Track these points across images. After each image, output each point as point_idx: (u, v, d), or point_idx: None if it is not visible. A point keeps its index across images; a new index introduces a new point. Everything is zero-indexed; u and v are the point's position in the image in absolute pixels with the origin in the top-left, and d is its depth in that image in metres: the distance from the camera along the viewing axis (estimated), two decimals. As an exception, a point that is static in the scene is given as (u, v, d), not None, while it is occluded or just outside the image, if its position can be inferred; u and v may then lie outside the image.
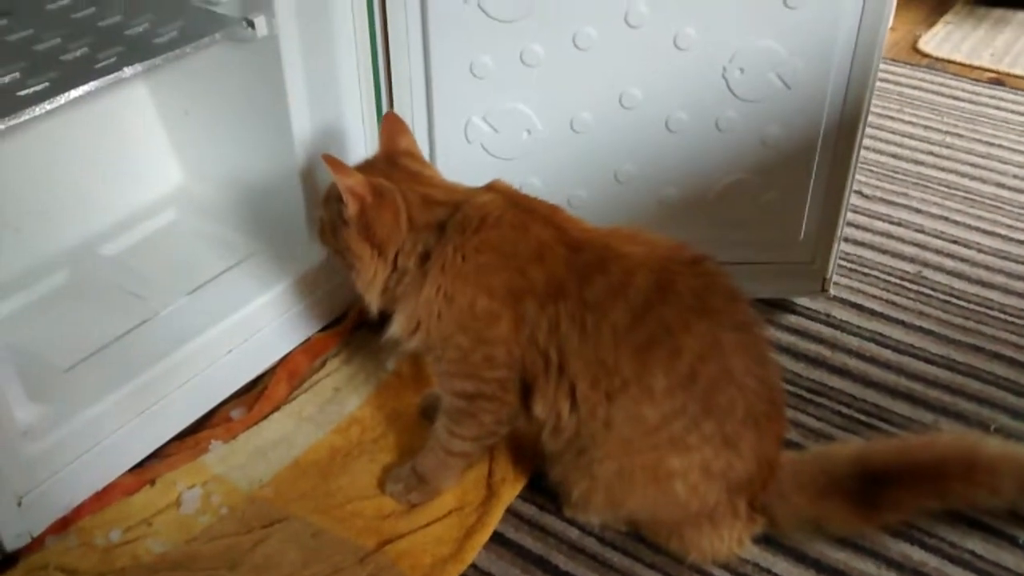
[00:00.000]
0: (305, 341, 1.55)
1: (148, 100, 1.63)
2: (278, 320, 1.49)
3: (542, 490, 1.33)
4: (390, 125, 1.32)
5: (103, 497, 1.30)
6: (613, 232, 1.23)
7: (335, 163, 1.20)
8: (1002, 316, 1.67)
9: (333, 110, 1.45)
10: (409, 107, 1.47)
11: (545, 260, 1.18)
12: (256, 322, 1.46)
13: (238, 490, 1.33)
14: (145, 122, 1.64)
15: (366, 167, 1.28)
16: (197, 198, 1.68)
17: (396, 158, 1.29)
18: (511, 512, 1.32)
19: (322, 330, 1.57)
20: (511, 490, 1.34)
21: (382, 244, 1.22)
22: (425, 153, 1.51)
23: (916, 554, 1.26)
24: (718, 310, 1.18)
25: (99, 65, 1.25)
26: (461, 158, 1.50)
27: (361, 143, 1.51)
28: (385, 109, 1.48)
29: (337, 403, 1.47)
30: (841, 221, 1.56)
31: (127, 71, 1.25)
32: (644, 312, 1.15)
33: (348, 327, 1.59)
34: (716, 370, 1.15)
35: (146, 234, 1.61)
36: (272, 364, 1.51)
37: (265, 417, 1.44)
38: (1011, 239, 1.85)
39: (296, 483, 1.35)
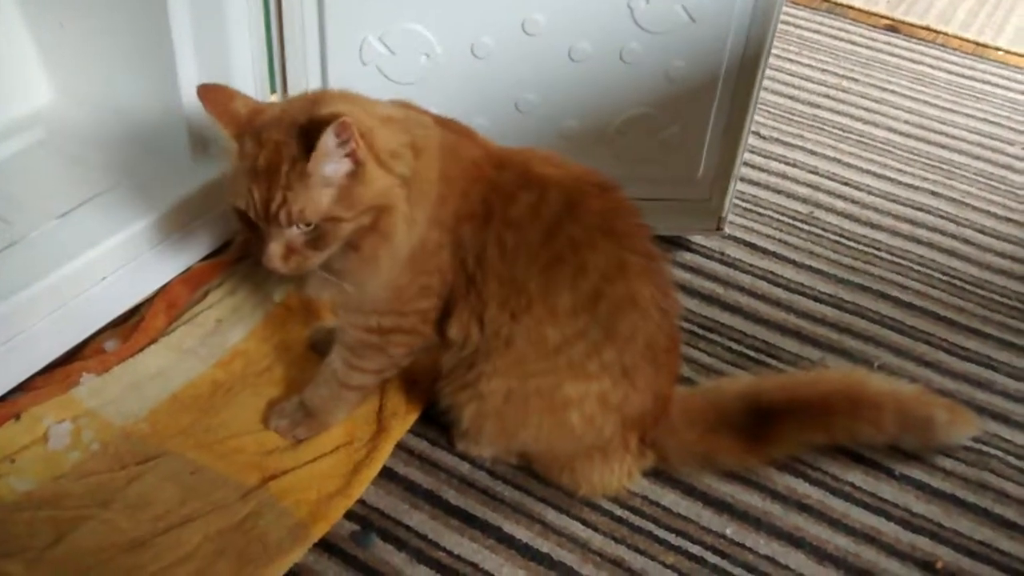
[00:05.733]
0: (185, 271, 1.48)
1: (15, 7, 1.51)
2: (156, 248, 1.42)
3: (434, 425, 1.31)
4: (214, 94, 1.06)
5: (-39, 433, 1.22)
6: (531, 153, 1.20)
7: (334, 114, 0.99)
8: (888, 257, 1.70)
9: (218, 28, 1.37)
10: (300, 23, 1.39)
11: (479, 181, 1.15)
12: (132, 249, 1.38)
13: (111, 425, 1.27)
14: (11, 31, 1.52)
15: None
16: (69, 117, 1.57)
17: (281, 112, 1.07)
18: (402, 447, 1.29)
19: (204, 259, 1.50)
20: (402, 425, 1.31)
21: (388, 163, 1.06)
22: (317, 76, 1.45)
23: (800, 487, 1.29)
24: (625, 232, 1.16)
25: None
26: (356, 81, 1.40)
27: (248, 64, 1.43)
28: (274, 27, 1.40)
29: (219, 335, 1.41)
30: (738, 160, 1.56)
31: (-18, -32, 1.14)
32: (554, 230, 1.13)
33: (232, 257, 1.52)
34: (621, 292, 1.14)
35: (10, 153, 1.50)
36: (150, 294, 1.44)
37: (141, 349, 1.37)
38: (900, 182, 1.89)
39: (174, 418, 1.29)
